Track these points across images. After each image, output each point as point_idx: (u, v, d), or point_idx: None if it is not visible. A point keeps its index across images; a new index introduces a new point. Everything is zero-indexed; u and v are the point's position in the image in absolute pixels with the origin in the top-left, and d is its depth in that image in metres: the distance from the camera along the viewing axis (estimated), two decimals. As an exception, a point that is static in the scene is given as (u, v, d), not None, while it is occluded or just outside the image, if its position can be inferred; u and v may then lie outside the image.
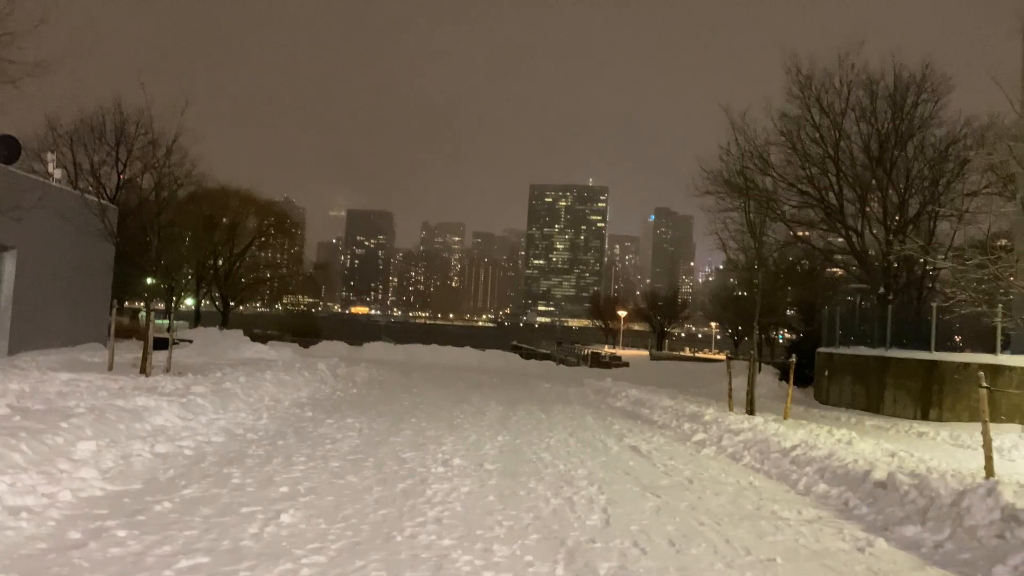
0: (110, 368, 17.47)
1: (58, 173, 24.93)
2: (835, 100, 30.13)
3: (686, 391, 26.89)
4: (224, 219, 59.51)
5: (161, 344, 20.24)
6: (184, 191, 48.27)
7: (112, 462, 8.82)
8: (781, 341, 54.93)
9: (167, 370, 17.49)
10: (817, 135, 30.34)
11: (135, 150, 41.84)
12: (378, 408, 16.76)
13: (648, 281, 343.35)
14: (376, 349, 41.95)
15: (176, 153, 39.07)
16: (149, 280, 20.94)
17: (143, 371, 16.61)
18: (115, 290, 40.05)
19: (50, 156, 25.30)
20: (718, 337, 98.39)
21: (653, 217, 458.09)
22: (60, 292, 22.08)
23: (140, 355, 17.27)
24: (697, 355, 78.07)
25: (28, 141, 38.42)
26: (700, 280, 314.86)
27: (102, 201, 21.09)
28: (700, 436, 15.28)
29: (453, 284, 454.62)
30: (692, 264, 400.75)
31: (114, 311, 18.29)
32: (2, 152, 21.16)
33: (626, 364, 51.85)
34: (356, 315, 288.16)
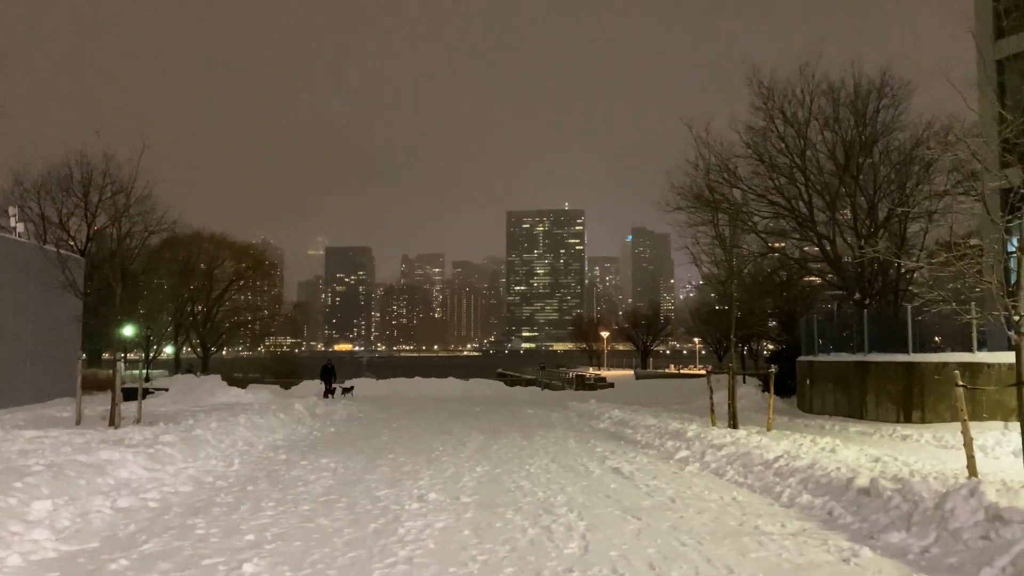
0: (78, 422, 17.04)
1: (21, 227, 24.51)
2: (798, 110, 30.43)
3: (670, 408, 26.69)
4: (201, 264, 59.09)
5: (134, 394, 19.83)
6: (157, 238, 47.90)
7: (69, 520, 8.47)
8: (765, 353, 54.93)
9: (137, 420, 17.08)
10: (783, 145, 30.59)
11: (103, 200, 41.37)
12: (356, 446, 16.43)
13: (630, 300, 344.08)
14: (358, 385, 41.50)
15: (146, 201, 38.84)
16: (121, 329, 20.48)
17: (112, 423, 16.19)
18: (92, 341, 39.32)
19: (12, 210, 24.89)
20: (702, 352, 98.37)
21: (630, 237, 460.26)
22: (26, 348, 21.60)
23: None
24: (682, 371, 77.96)
25: (-8, 197, 37.99)
26: (681, 296, 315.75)
27: (62, 252, 20.68)
28: (683, 453, 15.06)
29: (436, 315, 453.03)
30: (672, 281, 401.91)
31: (80, 364, 17.88)
32: (-40, 209, 20.76)
33: (611, 385, 51.59)
34: (340, 353, 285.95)
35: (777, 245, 33.69)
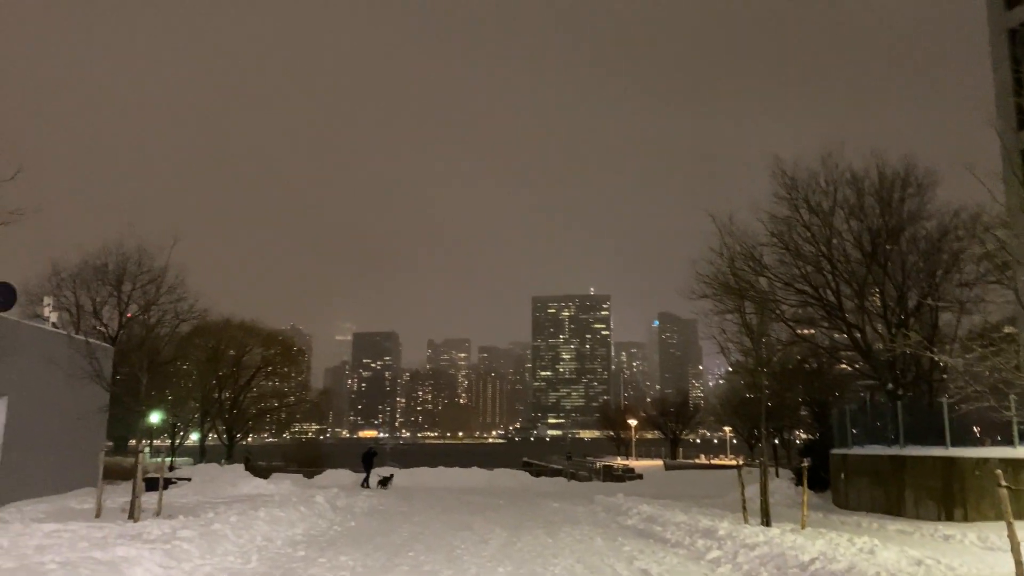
0: (98, 515, 16.86)
1: (54, 316, 24.96)
2: (822, 199, 30.50)
3: (701, 502, 25.93)
4: (229, 351, 59.47)
5: (157, 484, 19.68)
6: (187, 326, 48.48)
7: (79, 624, 8.25)
8: (797, 443, 53.61)
9: (157, 513, 16.87)
10: (808, 234, 30.52)
11: (136, 289, 42.12)
12: (375, 542, 16.03)
13: (658, 387, 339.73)
14: (381, 475, 40.86)
15: (176, 290, 39.56)
16: (146, 419, 20.54)
17: (131, 516, 16.01)
18: (118, 428, 39.29)
19: (47, 300, 25.42)
20: (733, 441, 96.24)
21: (657, 323, 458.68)
22: (51, 438, 21.66)
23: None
24: (713, 462, 76.23)
25: (31, 286, 38.87)
26: (710, 384, 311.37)
27: (91, 342, 20.95)
28: (715, 553, 14.51)
29: (461, 401, 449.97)
30: (701, 367, 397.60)
31: (102, 456, 17.83)
32: (-3, 299, 21.24)
33: (639, 476, 50.44)
34: (364, 439, 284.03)
35: (805, 333, 33.25)
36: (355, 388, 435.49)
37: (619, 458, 79.72)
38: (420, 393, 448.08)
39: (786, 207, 30.90)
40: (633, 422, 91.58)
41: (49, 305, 24.93)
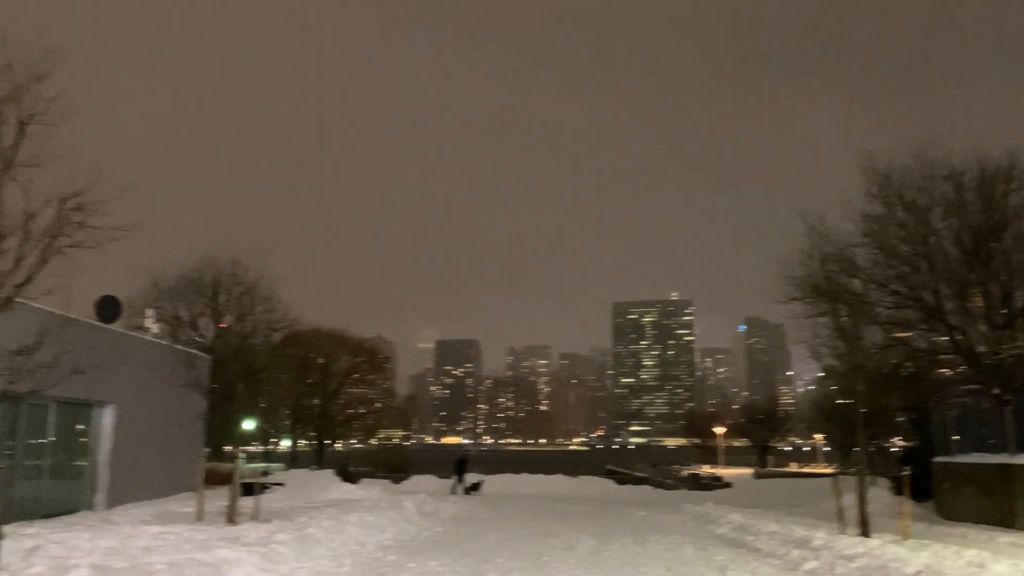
0: (199, 518, 17.57)
1: (156, 328, 26.20)
2: (918, 196, 29.22)
3: (794, 512, 25.16)
4: (319, 359, 61.01)
5: (251, 489, 20.36)
6: (279, 335, 50.04)
7: (186, 623, 8.59)
8: (893, 450, 51.41)
9: (254, 517, 17.46)
10: (903, 233, 29.30)
11: (231, 300, 43.69)
12: (463, 547, 16.16)
13: (745, 393, 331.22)
14: (465, 481, 41.21)
15: (269, 300, 40.88)
16: (241, 425, 21.33)
17: (230, 520, 16.61)
18: (215, 435, 40.98)
19: (149, 312, 26.71)
20: (826, 449, 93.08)
21: (744, 327, 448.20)
22: (155, 443, 22.71)
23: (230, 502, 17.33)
24: (804, 470, 73.88)
25: (133, 299, 40.89)
26: (800, 390, 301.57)
27: (191, 352, 21.89)
28: (811, 564, 14.04)
29: (542, 408, 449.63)
30: (790, 373, 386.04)
31: (202, 461, 18.56)
32: (104, 312, 22.44)
33: (728, 485, 49.21)
34: (447, 446, 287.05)
35: (901, 335, 31.89)
36: (438, 395, 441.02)
37: (706, 466, 78.12)
38: (502, 400, 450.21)
39: (879, 205, 29.74)
40: (720, 430, 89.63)
41: (151, 317, 26.19)
